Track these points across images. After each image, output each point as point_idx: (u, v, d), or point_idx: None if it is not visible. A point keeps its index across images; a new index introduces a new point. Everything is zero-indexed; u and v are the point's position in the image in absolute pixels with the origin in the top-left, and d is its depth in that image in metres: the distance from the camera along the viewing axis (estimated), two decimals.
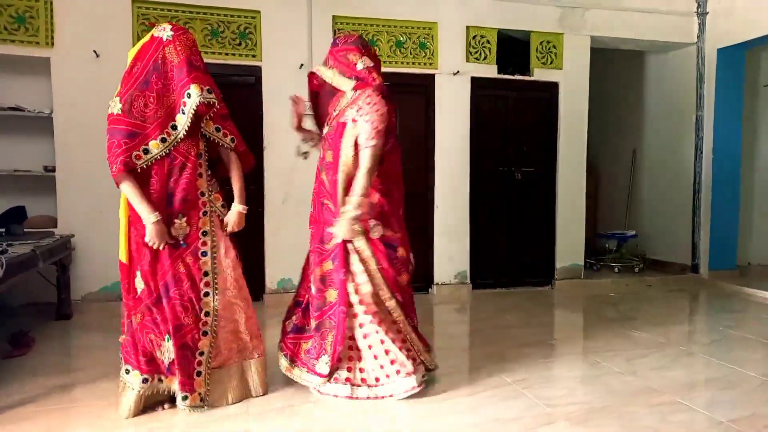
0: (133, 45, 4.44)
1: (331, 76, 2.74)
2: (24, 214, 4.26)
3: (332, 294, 2.64)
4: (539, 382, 2.92)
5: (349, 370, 2.66)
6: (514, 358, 3.29)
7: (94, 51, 4.34)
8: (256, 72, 4.73)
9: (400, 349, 2.64)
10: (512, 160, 5.48)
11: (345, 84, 2.70)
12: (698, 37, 5.91)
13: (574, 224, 5.62)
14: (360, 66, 2.68)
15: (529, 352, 3.41)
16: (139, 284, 2.48)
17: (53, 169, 4.38)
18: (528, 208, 5.55)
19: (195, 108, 2.39)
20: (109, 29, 4.37)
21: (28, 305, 4.27)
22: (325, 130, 2.80)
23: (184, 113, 2.40)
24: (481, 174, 5.36)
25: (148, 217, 2.38)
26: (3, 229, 3.73)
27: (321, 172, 2.79)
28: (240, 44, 4.73)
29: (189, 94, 2.39)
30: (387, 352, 2.62)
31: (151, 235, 2.40)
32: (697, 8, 5.88)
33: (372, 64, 2.72)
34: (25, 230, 3.90)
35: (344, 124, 2.64)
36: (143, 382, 2.43)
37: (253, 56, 4.75)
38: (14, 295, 4.18)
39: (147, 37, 2.48)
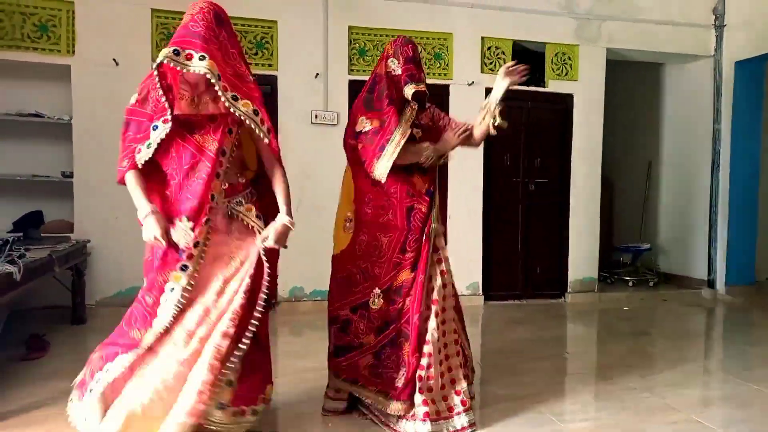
0: (152, 54, 4.55)
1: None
2: (41, 218, 4.32)
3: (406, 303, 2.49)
4: (552, 396, 2.89)
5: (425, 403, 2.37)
6: (527, 372, 3.26)
7: (114, 59, 4.41)
8: (271, 81, 4.77)
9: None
10: (526, 171, 5.46)
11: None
12: (715, 49, 5.86)
13: (588, 237, 5.58)
14: None
15: (542, 366, 3.38)
16: None
17: (71, 175, 4.44)
18: (541, 220, 5.52)
19: (156, 71, 1.98)
20: (128, 38, 4.44)
21: (44, 309, 4.31)
22: (418, 133, 2.57)
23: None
24: (495, 185, 5.34)
25: (145, 213, 2.03)
26: (21, 233, 3.78)
27: (411, 175, 2.53)
28: (256, 53, 4.78)
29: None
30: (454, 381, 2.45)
31: (146, 231, 2.02)
32: (715, 20, 5.84)
33: None
34: (42, 235, 3.96)
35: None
36: None
37: (270, 65, 4.79)
38: (30, 298, 4.23)
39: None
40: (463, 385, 2.44)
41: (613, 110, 6.08)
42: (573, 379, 3.25)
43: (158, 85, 2.02)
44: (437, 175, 2.61)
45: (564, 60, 5.49)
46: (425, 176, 2.54)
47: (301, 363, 3.37)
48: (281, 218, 2.18)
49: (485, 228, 5.27)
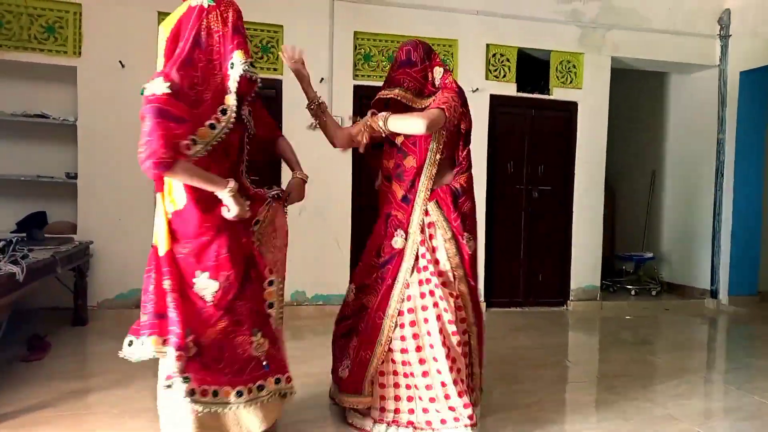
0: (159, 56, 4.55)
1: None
2: (45, 219, 4.34)
3: (370, 300, 2.50)
4: (553, 405, 2.88)
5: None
6: (528, 380, 3.24)
7: (120, 61, 4.43)
8: (276, 85, 4.78)
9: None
10: (529, 178, 5.46)
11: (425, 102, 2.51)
12: (720, 59, 5.86)
13: (590, 245, 5.57)
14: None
15: (543, 374, 3.37)
16: None
17: (75, 176, 4.45)
18: (544, 228, 5.51)
19: (237, 82, 1.96)
20: (134, 40, 4.46)
21: (45, 310, 4.31)
22: (399, 138, 2.51)
23: (231, 92, 1.98)
24: (498, 192, 5.34)
25: (227, 185, 1.96)
26: (24, 234, 3.79)
27: (392, 183, 2.54)
28: (262, 57, 4.79)
29: (232, 63, 1.97)
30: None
31: (235, 207, 1.99)
32: (720, 30, 5.84)
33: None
34: (46, 235, 3.96)
35: None
36: None
37: (275, 69, 4.81)
38: (32, 299, 4.23)
39: (183, 8, 2.02)
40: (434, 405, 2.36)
41: (618, 119, 6.08)
42: (574, 388, 3.23)
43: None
44: (424, 183, 2.45)
45: (568, 68, 5.49)
46: (401, 182, 2.49)
47: (303, 368, 3.36)
48: (297, 175, 2.44)
49: (488, 234, 5.26)
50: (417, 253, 2.42)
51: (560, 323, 5.01)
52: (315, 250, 4.85)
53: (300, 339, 4.12)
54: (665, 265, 6.47)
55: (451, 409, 2.30)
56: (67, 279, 4.11)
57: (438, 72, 2.50)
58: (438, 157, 2.45)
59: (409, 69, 2.45)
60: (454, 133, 2.49)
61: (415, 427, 2.36)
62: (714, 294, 5.87)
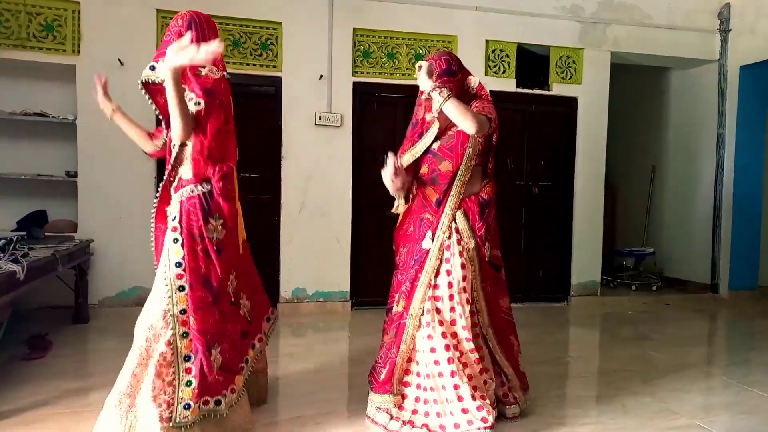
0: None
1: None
2: (45, 218, 4.35)
3: (401, 305, 2.53)
4: (553, 400, 2.88)
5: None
6: (528, 375, 3.23)
7: (119, 59, 4.42)
8: (276, 82, 4.78)
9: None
10: (529, 174, 5.45)
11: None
12: (720, 54, 5.85)
13: (591, 240, 5.57)
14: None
15: (543, 370, 3.37)
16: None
17: (75, 175, 4.45)
18: (544, 223, 5.51)
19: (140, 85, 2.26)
20: (133, 38, 4.46)
21: (46, 308, 4.32)
22: (436, 144, 2.56)
23: None
24: (498, 187, 5.31)
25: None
26: (24, 232, 3.79)
27: (426, 188, 2.59)
28: (261, 55, 4.79)
29: None
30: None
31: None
32: (720, 25, 5.83)
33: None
34: (46, 234, 3.96)
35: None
36: None
37: (274, 67, 4.80)
38: (33, 297, 4.24)
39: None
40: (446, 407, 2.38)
41: (618, 114, 6.06)
42: (575, 383, 3.24)
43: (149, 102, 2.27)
44: (457, 187, 2.53)
45: (568, 63, 5.49)
46: (435, 186, 2.54)
47: (303, 365, 3.37)
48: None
49: None
50: (442, 256, 2.48)
51: (560, 319, 5.01)
52: (316, 247, 4.85)
53: (300, 336, 4.12)
54: (666, 261, 6.47)
55: (464, 411, 2.33)
56: (67, 277, 4.12)
57: (474, 81, 2.62)
58: (472, 163, 2.55)
59: (450, 78, 2.51)
60: (486, 143, 2.59)
61: (429, 429, 2.39)
62: (714, 289, 5.87)
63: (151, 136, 2.52)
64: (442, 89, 2.36)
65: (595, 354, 4.06)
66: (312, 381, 3.07)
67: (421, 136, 2.58)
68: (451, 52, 2.63)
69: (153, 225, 2.35)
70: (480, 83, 2.62)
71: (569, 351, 4.06)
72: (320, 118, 4.81)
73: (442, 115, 2.45)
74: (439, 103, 2.36)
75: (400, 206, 2.67)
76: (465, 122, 2.34)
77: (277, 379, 3.06)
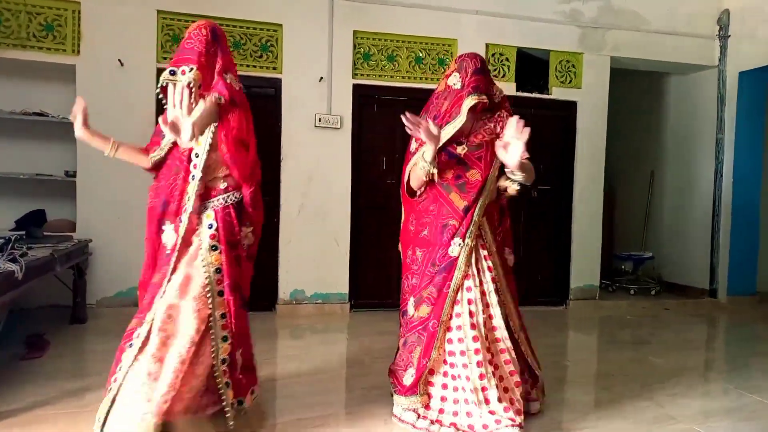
0: (157, 55, 4.56)
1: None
2: (44, 217, 4.32)
3: (425, 310, 2.54)
4: (551, 404, 2.87)
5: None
6: None
7: (119, 60, 4.42)
8: (276, 84, 4.78)
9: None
10: None
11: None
12: (720, 59, 5.87)
13: (590, 244, 5.57)
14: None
15: (542, 374, 3.36)
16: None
17: (74, 175, 4.44)
18: (543, 227, 5.51)
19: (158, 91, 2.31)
20: (134, 39, 4.45)
21: (44, 308, 4.31)
22: (461, 149, 2.60)
23: None
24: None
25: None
26: (23, 232, 3.78)
27: (450, 193, 2.58)
28: (261, 56, 4.79)
29: None
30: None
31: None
32: (719, 31, 5.84)
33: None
34: (44, 234, 3.95)
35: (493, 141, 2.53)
36: None
37: (274, 68, 4.80)
38: (31, 297, 4.23)
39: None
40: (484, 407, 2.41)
41: (617, 118, 6.08)
42: (573, 388, 3.23)
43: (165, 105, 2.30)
44: (485, 196, 2.58)
45: (568, 68, 5.50)
46: (463, 194, 2.55)
47: (301, 367, 3.36)
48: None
49: None
50: (470, 262, 2.52)
51: (559, 323, 5.01)
52: (314, 249, 4.85)
53: (299, 338, 4.11)
54: (664, 265, 6.48)
55: (492, 413, 2.36)
56: (65, 277, 4.11)
57: (499, 90, 2.69)
58: (496, 174, 2.61)
59: (484, 76, 2.60)
60: None
61: (457, 429, 2.41)
62: (713, 294, 5.87)
63: (147, 150, 2.51)
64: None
65: (594, 358, 4.05)
66: (310, 383, 3.06)
67: (452, 117, 2.57)
68: (478, 54, 2.70)
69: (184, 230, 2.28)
70: (504, 95, 2.70)
71: (568, 355, 4.06)
72: (320, 120, 4.81)
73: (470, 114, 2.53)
74: (518, 176, 2.51)
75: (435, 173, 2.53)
76: (530, 181, 2.56)
77: (275, 381, 3.06)
